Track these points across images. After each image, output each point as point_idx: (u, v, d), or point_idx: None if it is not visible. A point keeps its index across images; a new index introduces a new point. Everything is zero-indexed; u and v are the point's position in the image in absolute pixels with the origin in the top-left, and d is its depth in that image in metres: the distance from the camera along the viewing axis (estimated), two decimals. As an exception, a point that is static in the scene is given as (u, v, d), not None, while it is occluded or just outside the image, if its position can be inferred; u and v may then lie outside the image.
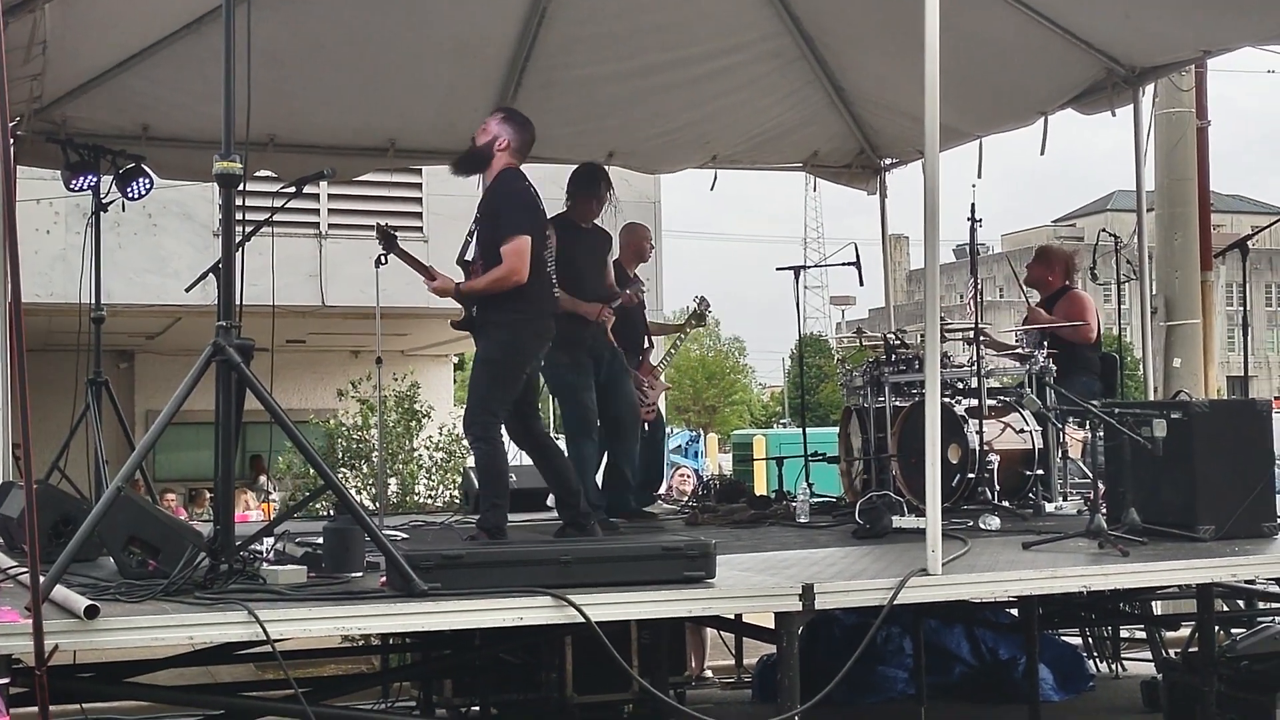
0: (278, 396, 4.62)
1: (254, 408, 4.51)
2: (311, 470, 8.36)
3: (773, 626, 4.71)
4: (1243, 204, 63.60)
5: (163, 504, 10.23)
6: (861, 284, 8.19)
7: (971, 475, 6.75)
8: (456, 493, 10.08)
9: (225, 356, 4.41)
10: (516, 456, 6.63)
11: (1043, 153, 8.33)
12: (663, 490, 8.86)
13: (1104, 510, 5.86)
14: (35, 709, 3.75)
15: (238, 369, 4.41)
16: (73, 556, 4.09)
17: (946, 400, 6.78)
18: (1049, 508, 6.87)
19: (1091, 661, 8.20)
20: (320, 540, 4.88)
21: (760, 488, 11.29)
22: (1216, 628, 6.71)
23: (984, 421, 6.77)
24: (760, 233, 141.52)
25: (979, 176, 8.59)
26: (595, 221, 7.30)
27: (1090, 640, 8.30)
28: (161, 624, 3.95)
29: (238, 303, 4.55)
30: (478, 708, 6.88)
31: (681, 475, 10.01)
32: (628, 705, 6.54)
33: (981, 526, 6.25)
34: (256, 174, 7.34)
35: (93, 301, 7.21)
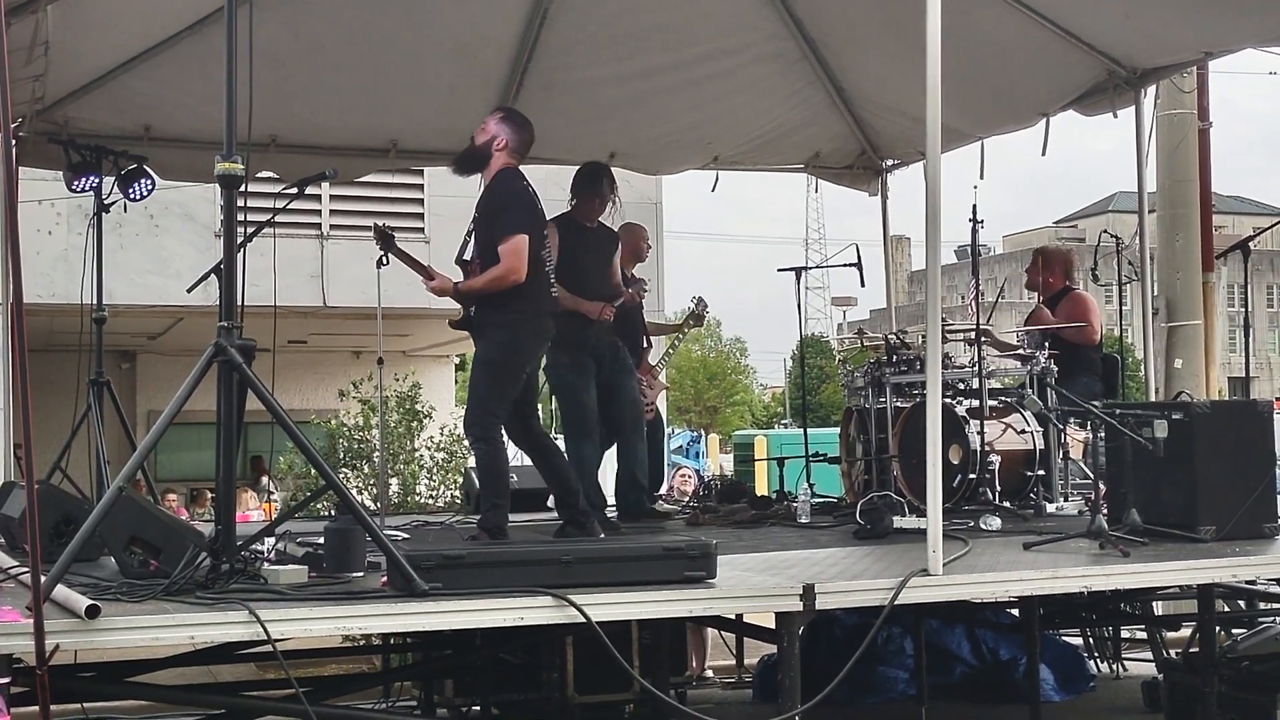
0: (279, 397, 4.63)
1: (255, 408, 4.51)
2: (313, 470, 8.38)
3: (774, 627, 4.71)
4: (1244, 205, 63.56)
5: (164, 504, 10.23)
6: (863, 285, 8.19)
7: (972, 476, 6.75)
8: (458, 493, 10.09)
9: (227, 357, 4.42)
10: (517, 457, 6.63)
11: (1044, 154, 8.34)
12: (663, 491, 8.86)
13: (1105, 511, 5.86)
14: (36, 708, 3.75)
15: (239, 369, 4.42)
16: (74, 556, 4.10)
17: (948, 401, 6.79)
18: (1050, 508, 6.87)
19: (1092, 662, 8.20)
20: (321, 540, 4.88)
21: (761, 488, 11.29)
22: (1217, 628, 6.71)
23: (985, 422, 6.77)
24: (761, 234, 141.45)
25: (981, 177, 8.61)
26: (601, 220, 7.29)
27: (1091, 640, 8.30)
28: (162, 624, 3.95)
29: (239, 303, 4.55)
30: (479, 708, 6.88)
31: (683, 476, 10.02)
32: (629, 705, 6.54)
33: (982, 527, 6.25)
34: (258, 175, 7.34)
35: (94, 302, 7.21)
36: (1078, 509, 6.88)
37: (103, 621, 3.83)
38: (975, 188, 7.13)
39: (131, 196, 7.46)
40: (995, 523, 6.29)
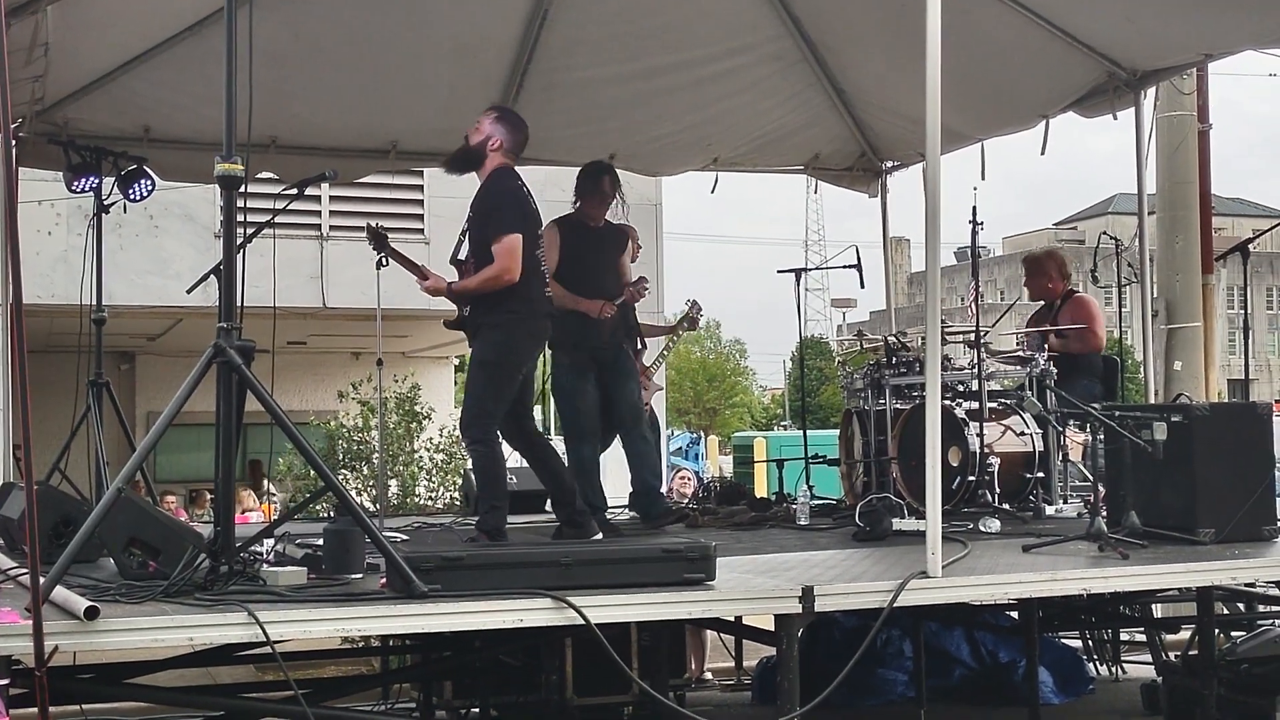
0: (278, 398, 4.63)
1: (255, 409, 4.51)
2: (312, 472, 8.38)
3: (772, 629, 4.70)
4: (1244, 207, 63.62)
5: (163, 505, 10.23)
6: (862, 286, 8.19)
7: (972, 478, 6.75)
8: (457, 494, 10.09)
9: (226, 358, 4.42)
10: (513, 458, 6.63)
11: (1043, 152, 8.33)
12: (662, 492, 8.84)
13: (1104, 513, 5.86)
14: (35, 710, 3.75)
15: (239, 370, 4.41)
16: (73, 557, 4.09)
17: (947, 403, 6.78)
18: (1049, 510, 6.86)
19: (1091, 664, 8.19)
20: (320, 542, 4.88)
21: (760, 490, 11.28)
22: (1216, 631, 6.71)
23: (984, 424, 6.77)
24: (761, 235, 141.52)
25: (982, 178, 8.62)
26: (609, 219, 7.27)
27: (1090, 643, 8.30)
28: (161, 625, 3.95)
29: (239, 304, 4.55)
30: (477, 709, 6.88)
31: (682, 477, 10.01)
32: (627, 707, 6.53)
33: (982, 529, 6.25)
34: (258, 176, 7.34)
35: (94, 303, 7.21)
36: (1077, 511, 6.87)
37: (102, 623, 3.83)
38: (975, 189, 7.13)
39: (131, 197, 7.46)
40: (994, 525, 6.28)
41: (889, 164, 9.70)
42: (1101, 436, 6.20)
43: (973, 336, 6.91)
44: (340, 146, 8.47)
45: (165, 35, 7.29)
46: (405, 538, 6.45)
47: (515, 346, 6.06)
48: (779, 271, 8.88)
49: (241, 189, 4.54)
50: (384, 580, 4.45)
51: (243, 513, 13.12)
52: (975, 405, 6.81)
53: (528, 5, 8.09)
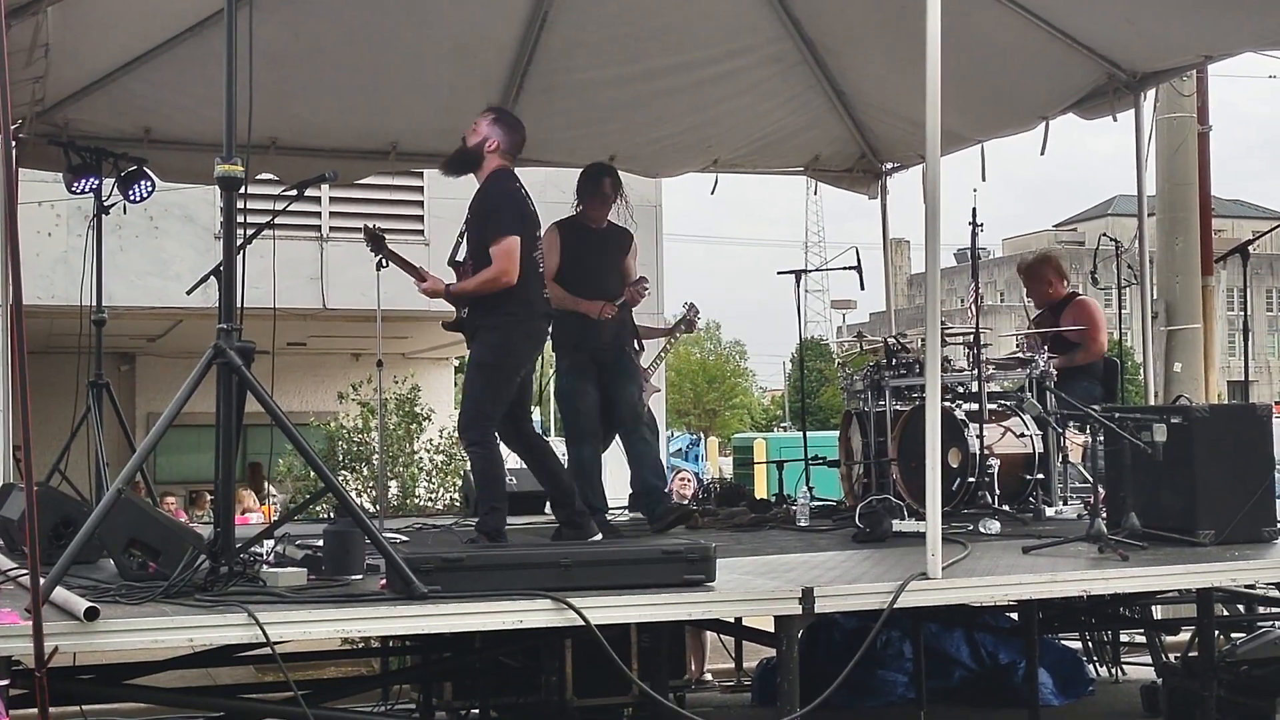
0: (278, 399, 4.63)
1: (255, 410, 4.51)
2: (312, 473, 8.38)
3: (772, 630, 4.70)
4: (1244, 209, 63.62)
5: (163, 506, 10.23)
6: (862, 288, 8.22)
7: (972, 479, 6.75)
8: (457, 495, 10.09)
9: (226, 359, 4.42)
10: (510, 459, 6.62)
11: (1043, 152, 8.34)
12: (666, 491, 8.83)
13: (1104, 515, 5.85)
14: (35, 711, 3.75)
15: (239, 371, 4.42)
16: (73, 558, 4.10)
17: (947, 404, 6.78)
18: (1049, 512, 6.86)
19: (1091, 666, 8.19)
20: (320, 543, 4.88)
21: (760, 491, 11.28)
22: (1216, 632, 6.71)
23: (984, 426, 6.77)
24: (761, 236, 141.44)
25: (983, 179, 8.63)
26: (612, 220, 7.26)
27: (1090, 644, 8.30)
28: (161, 626, 3.94)
29: (239, 305, 4.55)
30: (477, 710, 6.88)
31: (682, 479, 10.01)
32: (627, 708, 6.54)
33: (981, 530, 6.25)
34: (258, 177, 7.34)
35: (94, 304, 7.22)
36: (1077, 513, 6.87)
37: (102, 624, 3.82)
38: (975, 191, 7.13)
39: (131, 198, 7.46)
40: (994, 526, 6.28)
41: (889, 165, 9.70)
42: (1101, 438, 6.20)
43: (973, 338, 6.92)
44: (340, 147, 8.48)
45: (165, 36, 7.29)
46: (405, 539, 6.44)
47: (513, 348, 6.06)
48: (779, 273, 8.89)
49: (241, 190, 4.54)
50: (384, 581, 4.45)
51: (243, 513, 13.12)
52: (975, 407, 6.81)
53: (528, 6, 8.09)
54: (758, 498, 8.57)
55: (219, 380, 4.46)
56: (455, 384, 20.00)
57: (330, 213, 13.43)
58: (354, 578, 4.73)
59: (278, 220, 5.55)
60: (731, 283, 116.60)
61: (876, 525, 6.17)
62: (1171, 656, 7.72)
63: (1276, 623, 7.32)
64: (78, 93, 7.48)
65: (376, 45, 7.88)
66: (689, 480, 9.98)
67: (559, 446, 7.15)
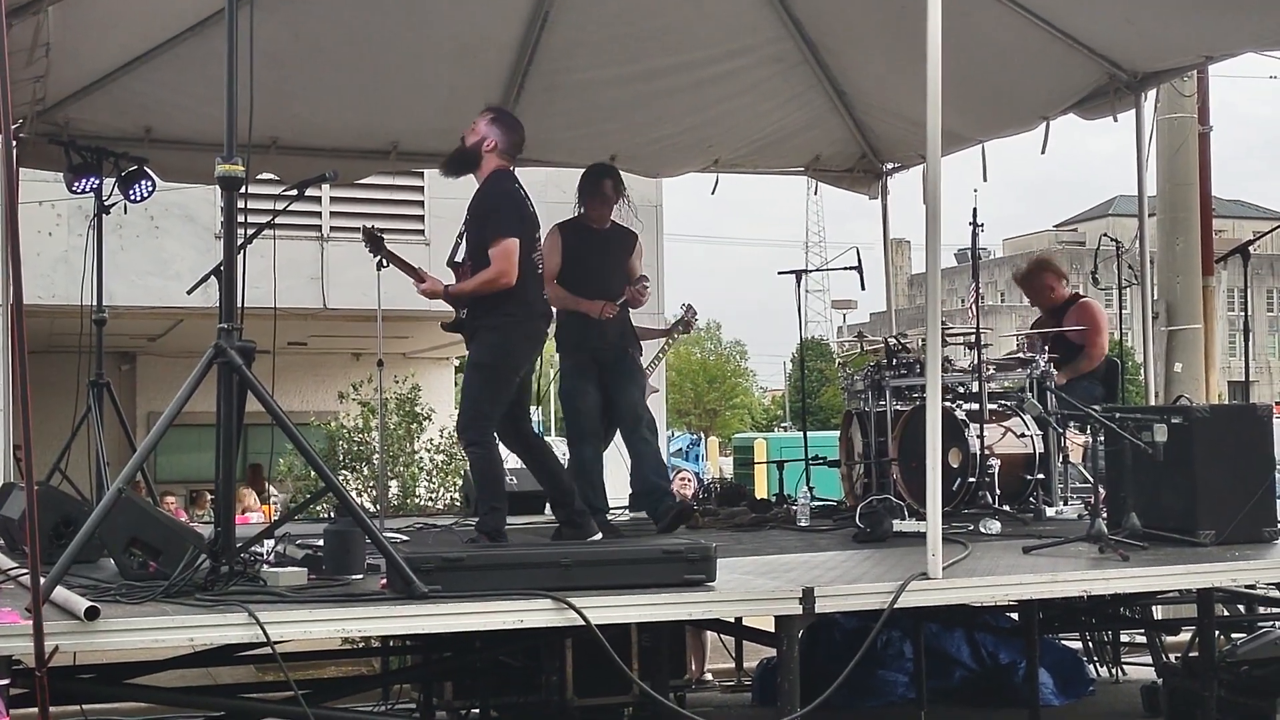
0: (279, 399, 4.63)
1: (255, 410, 4.51)
2: (312, 473, 8.38)
3: (773, 630, 4.71)
4: (1244, 209, 63.60)
5: (163, 506, 10.23)
6: (863, 288, 8.23)
7: (972, 479, 6.75)
8: (457, 495, 10.09)
9: (227, 358, 4.42)
10: (514, 460, 6.62)
11: (1044, 151, 8.33)
12: (669, 490, 8.82)
13: (1104, 515, 5.85)
14: (36, 710, 3.75)
15: (239, 371, 4.42)
16: (73, 558, 4.10)
17: (947, 404, 6.78)
18: (1049, 512, 6.86)
19: (1092, 666, 8.19)
20: (321, 542, 4.88)
21: (761, 491, 11.28)
22: (1217, 633, 6.71)
23: (985, 426, 6.77)
24: (762, 236, 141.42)
25: (984, 180, 8.63)
26: (616, 221, 7.25)
27: (1090, 645, 8.30)
28: (162, 625, 3.95)
29: (239, 305, 4.56)
30: (478, 710, 6.88)
31: (682, 479, 10.01)
32: (628, 708, 6.53)
33: (982, 530, 6.25)
34: (259, 177, 7.34)
35: (94, 303, 7.21)
36: (1077, 513, 6.87)
37: (102, 623, 3.83)
38: (975, 191, 7.13)
39: (132, 198, 7.46)
40: (995, 526, 6.28)
41: (890, 166, 9.70)
42: (1102, 438, 6.20)
43: (973, 338, 6.92)
44: (341, 147, 8.48)
45: (166, 36, 7.30)
46: (406, 538, 6.45)
47: (512, 349, 6.06)
48: (779, 273, 8.90)
49: (242, 190, 4.55)
50: (384, 581, 4.45)
51: (243, 513, 13.13)
52: (976, 407, 6.81)
53: (528, 6, 8.09)
54: (758, 498, 8.57)
55: (220, 380, 4.46)
56: (456, 384, 20.00)
57: (331, 212, 13.43)
58: (354, 577, 4.73)
59: (278, 220, 5.55)
60: (732, 283, 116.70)
61: (877, 525, 6.17)
62: (1172, 657, 7.72)
63: (1277, 623, 7.31)
64: (78, 92, 7.48)
65: (377, 45, 7.88)
66: (689, 480, 9.98)
67: (558, 446, 7.15)
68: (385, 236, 6.93)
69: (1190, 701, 6.30)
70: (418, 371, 15.15)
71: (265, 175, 7.69)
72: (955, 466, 6.79)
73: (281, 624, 4.01)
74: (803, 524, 7.00)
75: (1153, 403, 8.49)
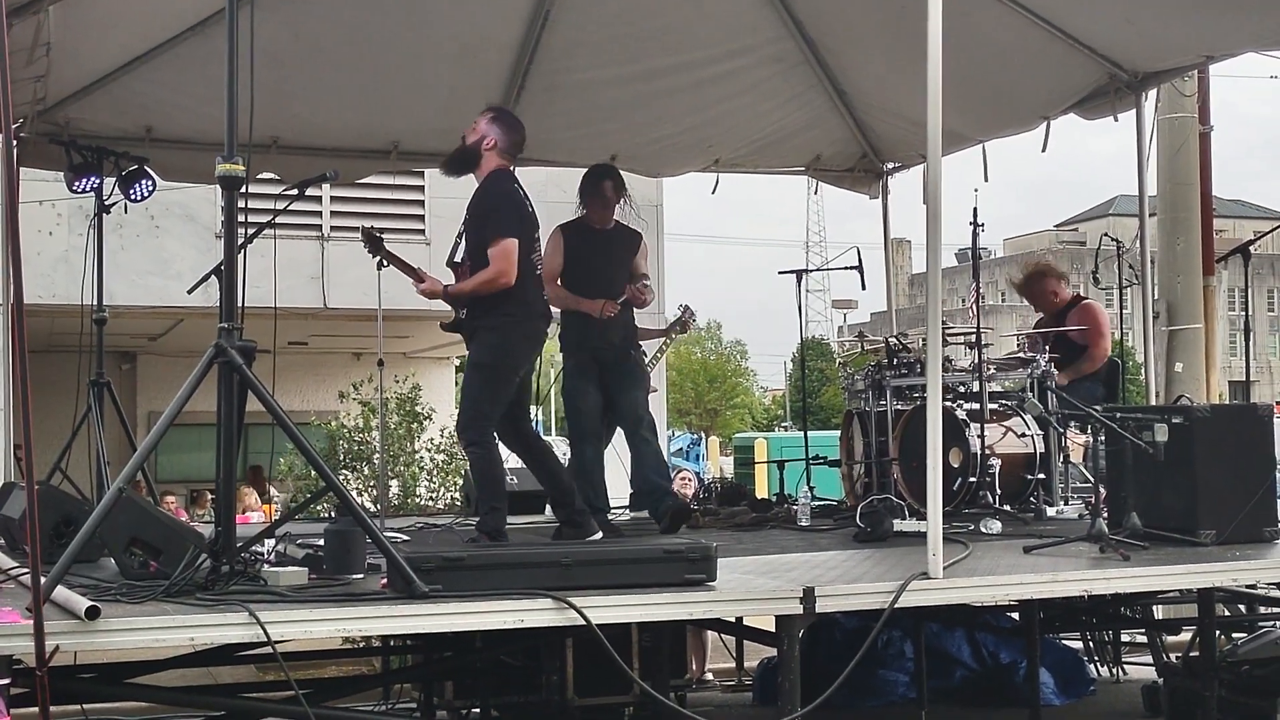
0: (279, 398, 4.63)
1: (256, 409, 4.51)
2: (313, 472, 8.38)
3: (774, 629, 4.71)
4: (1245, 209, 63.63)
5: (164, 505, 10.23)
6: (863, 288, 8.19)
7: (973, 479, 6.75)
8: (458, 495, 10.09)
9: (227, 358, 4.42)
10: (514, 460, 6.62)
11: (1044, 150, 8.33)
12: (671, 490, 8.82)
13: (1105, 515, 5.86)
14: (36, 710, 3.75)
15: (240, 371, 4.42)
16: (74, 557, 4.10)
17: (948, 404, 6.78)
18: (1050, 512, 6.86)
19: (1092, 665, 8.19)
20: (321, 542, 4.88)
21: (761, 491, 11.29)
22: (1217, 632, 6.71)
23: (985, 425, 6.77)
24: (762, 236, 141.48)
25: (985, 179, 8.62)
26: (619, 221, 7.24)
27: (1091, 644, 8.30)
28: (162, 625, 3.95)
29: (240, 304, 4.55)
30: (478, 710, 6.88)
31: (683, 478, 10.01)
32: (628, 708, 6.53)
33: (983, 530, 6.25)
34: (259, 176, 7.34)
35: (95, 303, 7.21)
36: (1078, 513, 6.88)
37: (103, 623, 3.83)
38: (976, 191, 7.13)
39: (132, 197, 7.46)
40: (995, 526, 6.28)
41: (890, 165, 9.70)
42: (1102, 438, 6.20)
43: (974, 338, 6.91)
44: (341, 147, 8.48)
45: (167, 35, 7.30)
46: (406, 538, 6.45)
47: (511, 349, 6.06)
48: (780, 273, 8.88)
49: (243, 189, 4.55)
50: (385, 580, 4.45)
51: (244, 512, 13.12)
52: (976, 406, 6.81)
53: (529, 6, 8.09)
54: (759, 497, 8.57)
55: (220, 379, 4.46)
56: (456, 383, 20.00)
57: (331, 212, 13.42)
58: (355, 577, 4.73)
59: (279, 219, 5.55)
60: (732, 282, 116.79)
61: (877, 525, 6.17)
62: (1173, 656, 7.72)
63: (1277, 623, 7.31)
64: (79, 92, 7.48)
65: (377, 45, 7.88)
66: (690, 479, 9.98)
67: (558, 446, 7.15)
68: (385, 236, 6.93)
69: (1191, 701, 6.30)
70: (418, 371, 15.16)
71: (266, 175, 7.69)
72: (956, 466, 6.79)
73: (282, 624, 4.01)
74: (803, 524, 7.01)
75: (1153, 402, 8.49)
